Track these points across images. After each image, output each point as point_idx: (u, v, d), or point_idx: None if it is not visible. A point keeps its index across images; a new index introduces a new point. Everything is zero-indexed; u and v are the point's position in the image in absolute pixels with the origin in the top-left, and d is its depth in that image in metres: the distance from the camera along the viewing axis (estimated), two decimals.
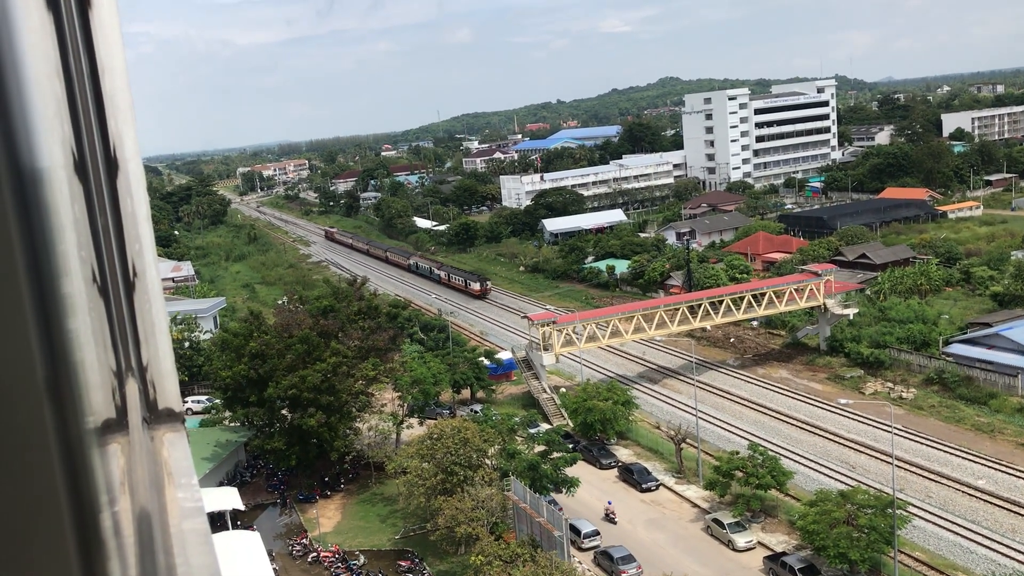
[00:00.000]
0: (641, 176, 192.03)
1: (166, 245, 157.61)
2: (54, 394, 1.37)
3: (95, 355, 1.98)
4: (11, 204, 1.29)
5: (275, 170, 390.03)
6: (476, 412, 64.69)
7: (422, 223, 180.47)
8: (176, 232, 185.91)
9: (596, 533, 50.85)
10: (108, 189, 2.12)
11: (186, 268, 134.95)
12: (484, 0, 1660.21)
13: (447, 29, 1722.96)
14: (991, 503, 52.60)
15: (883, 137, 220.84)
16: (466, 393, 75.82)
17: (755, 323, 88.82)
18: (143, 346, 2.22)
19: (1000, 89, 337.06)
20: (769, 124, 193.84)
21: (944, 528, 50.16)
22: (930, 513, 51.67)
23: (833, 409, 68.65)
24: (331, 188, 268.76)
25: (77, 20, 2.00)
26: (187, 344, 79.01)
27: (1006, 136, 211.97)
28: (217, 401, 67.62)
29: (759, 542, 49.81)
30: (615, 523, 52.95)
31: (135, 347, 2.19)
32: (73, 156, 1.90)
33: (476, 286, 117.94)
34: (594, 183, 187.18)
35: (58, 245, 1.45)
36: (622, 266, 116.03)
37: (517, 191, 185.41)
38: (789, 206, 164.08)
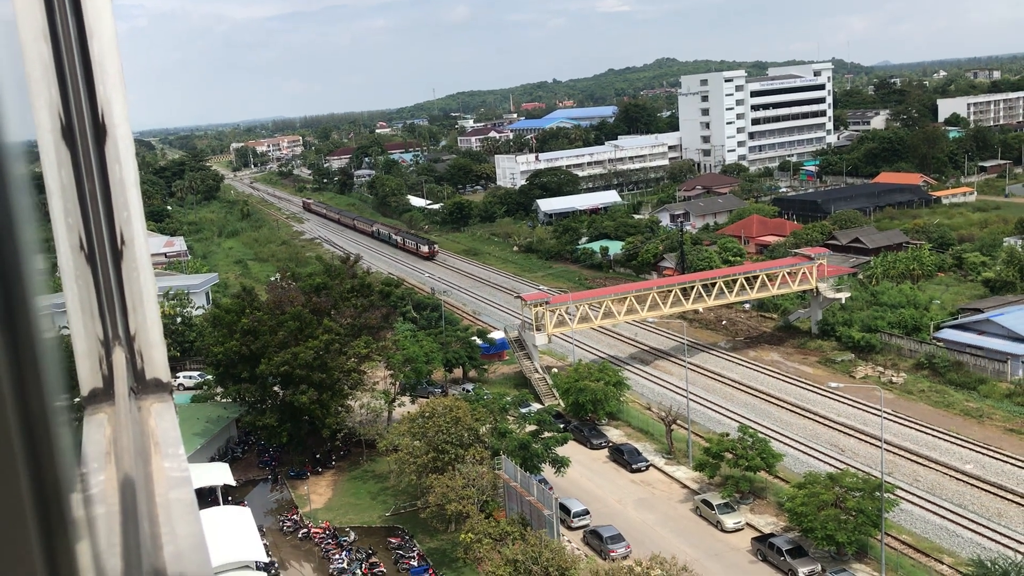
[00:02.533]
0: (636, 157, 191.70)
1: (159, 220, 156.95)
2: (30, 363, 1.37)
3: (81, 323, 1.95)
4: None
5: (269, 146, 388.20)
6: (468, 391, 64.80)
7: (416, 201, 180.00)
8: (169, 207, 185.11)
9: (586, 512, 51.12)
10: (96, 155, 2.08)
11: (179, 243, 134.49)
12: None
13: (444, 6, 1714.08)
14: (978, 487, 53.01)
15: (879, 121, 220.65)
16: (458, 372, 75.93)
17: (747, 306, 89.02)
18: (131, 315, 2.19)
19: (996, 75, 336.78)
20: (765, 107, 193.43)
21: (931, 512, 50.56)
22: (917, 497, 52.05)
23: (823, 392, 68.97)
24: (325, 165, 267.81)
25: None
26: (179, 319, 78.88)
27: (1001, 122, 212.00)
28: (209, 377, 67.61)
29: (747, 523, 50.15)
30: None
31: (123, 316, 2.16)
32: (60, 121, 1.86)
33: (425, 248, 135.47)
34: (589, 164, 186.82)
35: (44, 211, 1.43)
36: (616, 247, 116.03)
37: (512, 171, 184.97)
38: (784, 189, 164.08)
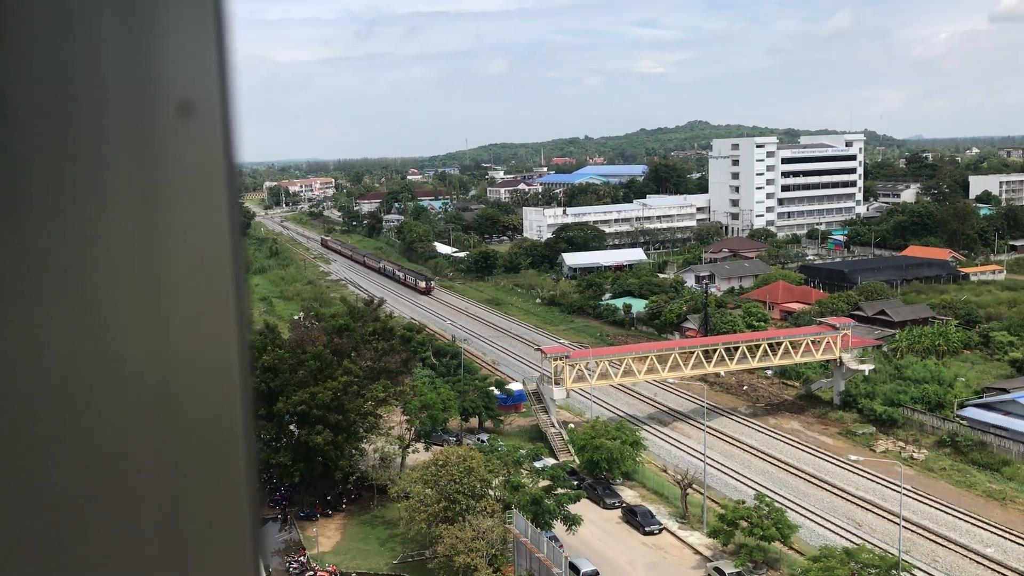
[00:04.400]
0: (664, 217, 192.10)
1: None
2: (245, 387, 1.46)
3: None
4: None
5: (301, 186, 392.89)
6: (483, 441, 64.47)
7: (442, 248, 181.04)
8: None
9: (595, 573, 50.33)
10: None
11: None
12: (522, 34, 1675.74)
13: (483, 60, 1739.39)
14: (998, 572, 51.75)
15: (909, 195, 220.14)
16: (474, 422, 75.63)
17: (769, 372, 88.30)
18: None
19: None
20: (796, 174, 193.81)
21: None
22: None
23: (843, 464, 67.94)
24: (355, 208, 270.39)
25: None
26: None
27: None
28: None
29: None
30: None
31: None
32: None
33: (422, 284, 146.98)
34: (616, 220, 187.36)
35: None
36: (639, 305, 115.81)
37: (539, 223, 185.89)
38: (811, 257, 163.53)
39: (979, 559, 53.23)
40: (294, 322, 75.84)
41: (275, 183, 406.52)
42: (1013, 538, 55.53)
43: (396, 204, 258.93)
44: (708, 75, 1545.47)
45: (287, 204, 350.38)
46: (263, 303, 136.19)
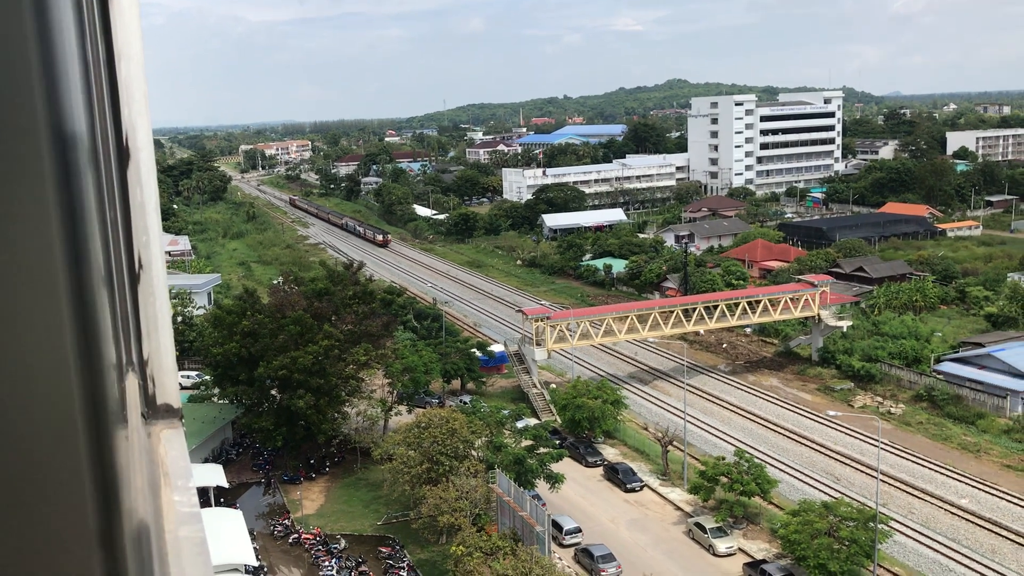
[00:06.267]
0: (643, 176, 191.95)
1: (164, 219, 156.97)
2: (83, 387, 1.36)
3: (100, 347, 1.95)
4: (53, 190, 1.27)
5: (278, 149, 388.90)
6: (465, 403, 64.67)
7: (422, 211, 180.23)
8: (175, 206, 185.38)
9: (578, 530, 50.93)
10: (118, 178, 2.08)
11: (183, 243, 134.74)
12: None
13: (460, 18, 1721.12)
14: (973, 523, 52.78)
15: (887, 151, 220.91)
16: (456, 383, 75.82)
17: (748, 330, 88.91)
18: (145, 340, 2.18)
19: (1007, 110, 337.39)
20: (774, 132, 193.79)
21: (924, 545, 50.31)
22: (911, 529, 51.83)
23: (821, 420, 68.79)
24: (333, 170, 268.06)
25: (96, 5, 1.97)
26: (180, 319, 78.83)
27: (1009, 158, 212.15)
28: (207, 377, 67.53)
29: (740, 548, 49.93)
30: None
31: (136, 340, 2.16)
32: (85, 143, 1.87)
33: (380, 238, 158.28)
34: (596, 181, 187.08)
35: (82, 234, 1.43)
36: (619, 265, 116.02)
37: (519, 184, 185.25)
38: (789, 215, 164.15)
39: (954, 510, 54.25)
40: (273, 286, 75.33)
41: (251, 146, 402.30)
42: (987, 489, 56.58)
43: (374, 166, 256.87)
44: (687, 32, 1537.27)
45: (263, 168, 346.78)
46: (241, 268, 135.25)
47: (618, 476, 58.60)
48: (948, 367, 72.92)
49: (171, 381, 2.30)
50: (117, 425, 1.85)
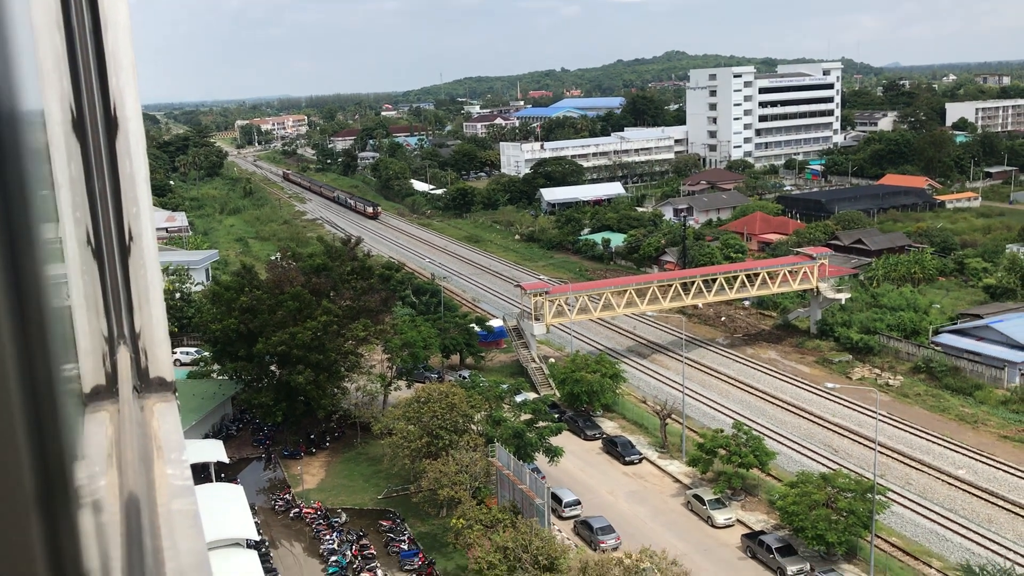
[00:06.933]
0: (642, 150, 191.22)
1: (161, 195, 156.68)
2: (32, 356, 1.33)
3: (86, 319, 1.92)
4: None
5: (274, 124, 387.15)
6: (464, 378, 64.82)
7: (419, 186, 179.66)
8: (171, 182, 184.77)
9: (577, 503, 51.25)
10: (107, 149, 2.04)
11: (180, 219, 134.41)
12: None
13: None
14: (970, 493, 53.11)
15: (886, 123, 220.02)
16: (455, 358, 75.96)
17: (747, 303, 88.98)
18: (136, 312, 2.15)
19: (1006, 81, 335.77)
20: (773, 104, 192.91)
21: (922, 515, 50.67)
22: (909, 500, 52.17)
23: (819, 392, 69.02)
24: (329, 145, 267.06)
25: None
26: (178, 295, 78.80)
27: (1009, 128, 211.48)
28: (206, 353, 67.61)
29: (738, 520, 50.27)
30: None
31: (128, 313, 2.12)
32: (71, 113, 1.82)
33: (369, 210, 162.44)
34: (594, 154, 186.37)
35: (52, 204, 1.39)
36: (618, 239, 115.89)
37: (516, 158, 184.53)
38: (788, 188, 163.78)
39: (951, 481, 54.58)
40: (271, 262, 75.26)
41: (246, 121, 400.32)
42: (983, 460, 56.90)
43: (371, 141, 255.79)
44: (686, 4, 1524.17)
45: (260, 143, 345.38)
46: (239, 244, 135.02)
47: (617, 449, 58.87)
48: (946, 339, 73.05)
49: (164, 354, 2.27)
50: (104, 398, 1.81)
